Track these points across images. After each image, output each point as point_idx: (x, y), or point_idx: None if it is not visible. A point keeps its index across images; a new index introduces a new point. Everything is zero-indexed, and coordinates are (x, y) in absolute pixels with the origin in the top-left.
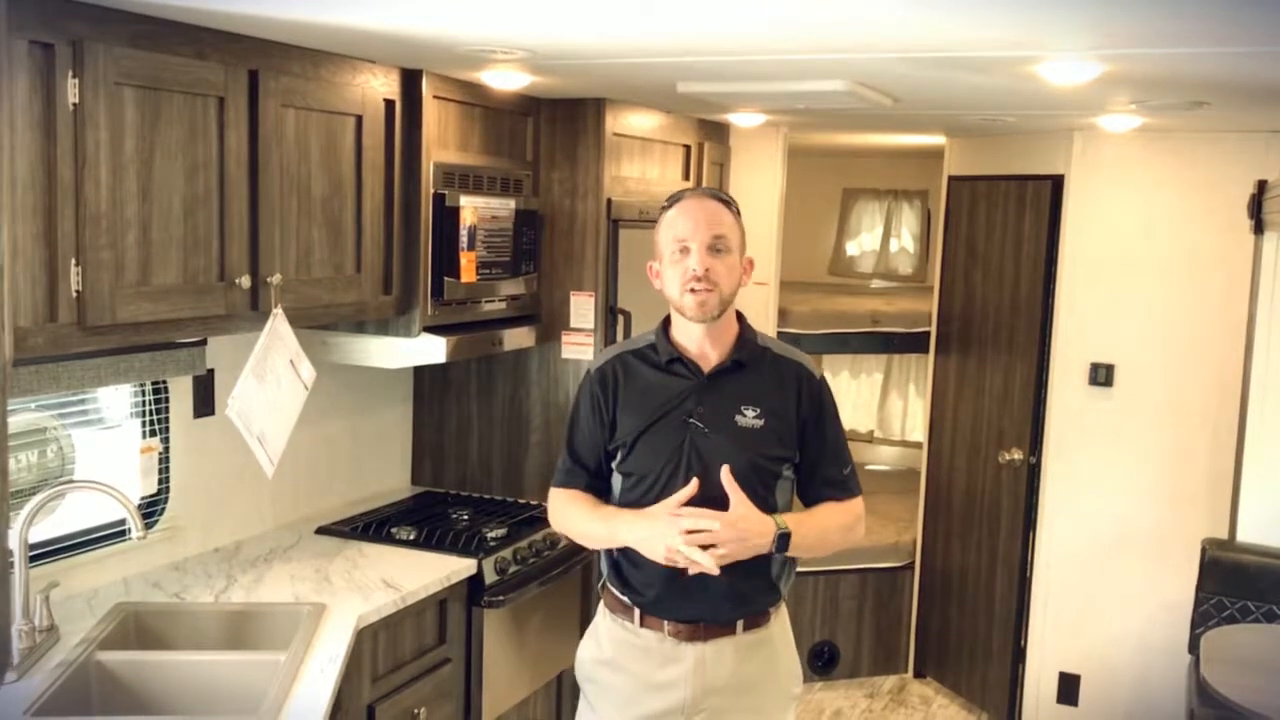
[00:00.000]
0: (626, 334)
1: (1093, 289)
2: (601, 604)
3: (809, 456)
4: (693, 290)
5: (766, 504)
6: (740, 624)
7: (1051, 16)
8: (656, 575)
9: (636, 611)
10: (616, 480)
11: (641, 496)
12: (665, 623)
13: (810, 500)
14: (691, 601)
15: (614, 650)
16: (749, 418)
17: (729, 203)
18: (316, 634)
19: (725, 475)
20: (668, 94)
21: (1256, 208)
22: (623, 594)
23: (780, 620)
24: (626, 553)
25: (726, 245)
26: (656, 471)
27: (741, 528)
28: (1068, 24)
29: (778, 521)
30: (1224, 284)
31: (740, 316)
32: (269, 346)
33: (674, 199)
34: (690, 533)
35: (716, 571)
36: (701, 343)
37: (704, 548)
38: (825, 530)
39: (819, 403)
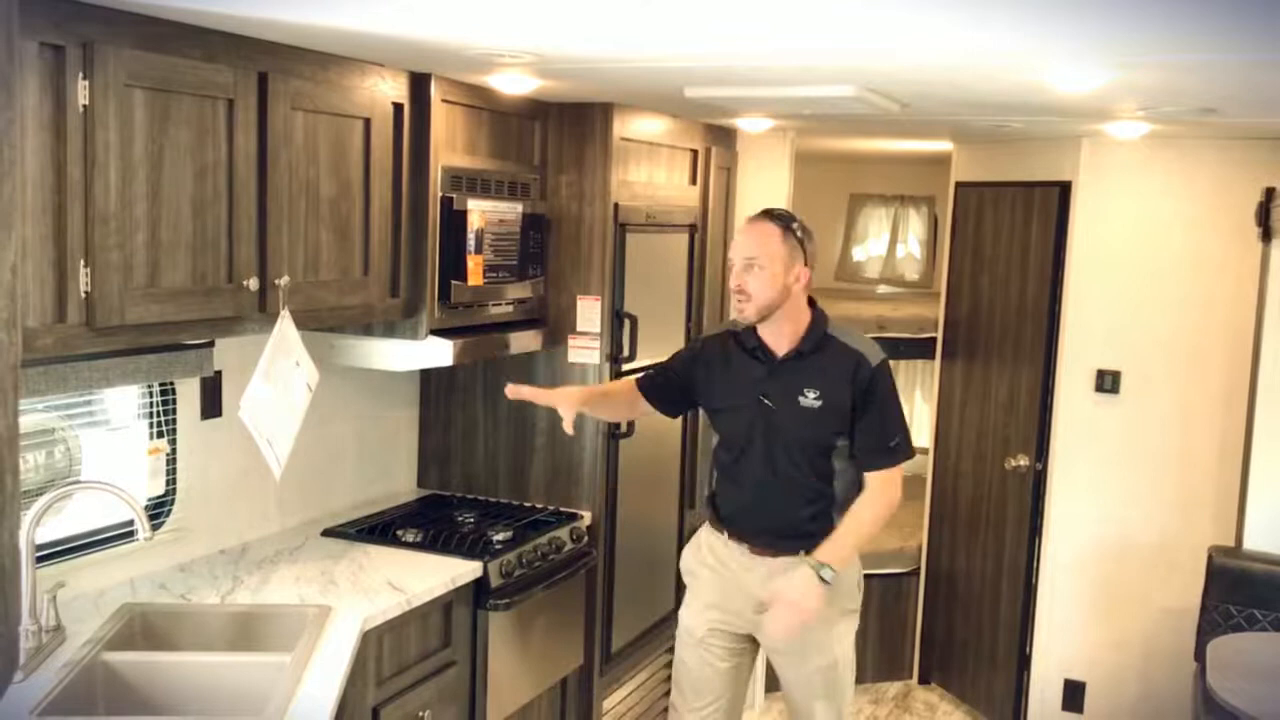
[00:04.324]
0: (632, 338)
1: (1099, 295)
2: (706, 521)
3: (860, 430)
4: (734, 296)
5: (824, 468)
6: (802, 551)
7: (1060, 23)
8: (735, 505)
9: (726, 529)
10: (714, 435)
11: (727, 453)
12: (745, 542)
13: (861, 463)
14: (763, 530)
15: (711, 554)
16: (809, 399)
17: (782, 221)
18: (322, 636)
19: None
20: (675, 98)
21: (1264, 215)
22: (716, 516)
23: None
24: (719, 486)
25: (759, 264)
26: (737, 436)
27: (796, 603)
28: (1077, 31)
29: (815, 565)
30: (1231, 291)
31: (814, 311)
32: (276, 349)
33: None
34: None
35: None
36: (768, 335)
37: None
38: (862, 526)
39: (868, 387)
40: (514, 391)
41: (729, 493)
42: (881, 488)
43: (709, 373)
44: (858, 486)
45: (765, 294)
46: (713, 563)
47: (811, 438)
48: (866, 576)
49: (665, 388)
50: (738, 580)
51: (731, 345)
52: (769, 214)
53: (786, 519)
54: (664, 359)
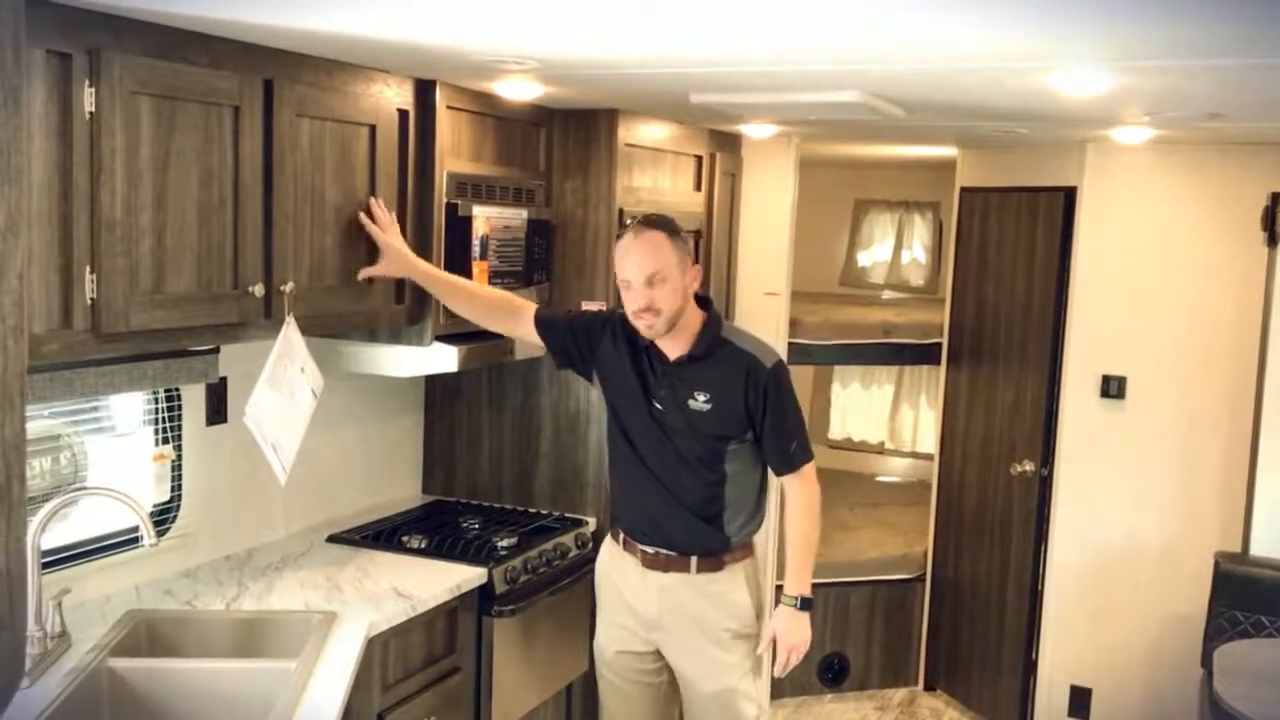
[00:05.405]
0: None
1: (1105, 301)
2: (609, 533)
3: (762, 434)
4: (639, 317)
5: (716, 472)
6: (694, 563)
7: (1066, 27)
8: (629, 512)
9: (622, 536)
10: (606, 416)
11: (617, 456)
12: (639, 549)
13: (773, 469)
14: (654, 537)
15: (610, 565)
16: (699, 402)
17: (666, 227)
18: (327, 642)
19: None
20: (680, 104)
21: (1270, 220)
22: (615, 522)
23: (736, 570)
24: (613, 490)
25: (662, 277)
26: (630, 432)
27: (790, 643)
28: (1082, 35)
29: (791, 601)
30: (1237, 296)
31: (707, 311)
32: (282, 354)
33: (621, 232)
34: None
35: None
36: (661, 340)
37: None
38: (807, 543)
39: (763, 391)
40: (371, 214)
41: (622, 497)
42: (799, 493)
43: (616, 356)
44: (754, 491)
45: (672, 306)
46: (613, 575)
47: (700, 442)
48: (871, 583)
49: (566, 336)
50: (636, 597)
51: (631, 334)
52: (650, 223)
53: (678, 525)
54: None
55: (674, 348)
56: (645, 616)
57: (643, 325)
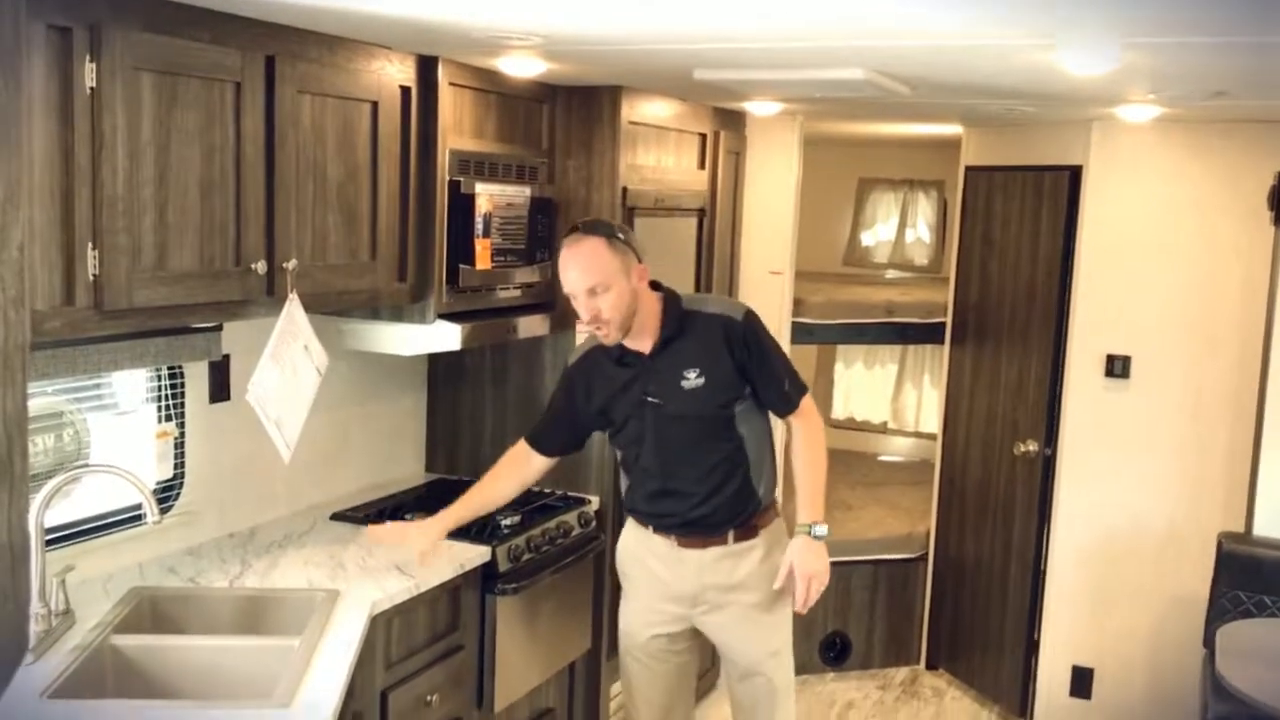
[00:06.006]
0: None
1: (1110, 280)
2: (630, 519)
3: (756, 384)
4: (592, 328)
5: (732, 438)
6: (731, 535)
7: (1070, 4)
8: (655, 500)
9: (650, 523)
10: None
11: (634, 458)
12: (672, 534)
13: (770, 408)
14: (689, 520)
15: (638, 548)
16: (691, 379)
17: (602, 231)
18: (330, 620)
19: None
20: (684, 81)
21: (1276, 198)
22: (638, 513)
23: (769, 533)
24: (634, 484)
25: (604, 286)
26: (639, 442)
27: (808, 571)
28: (1087, 12)
29: (804, 529)
30: (1243, 275)
31: (662, 294)
32: (285, 332)
33: (562, 241)
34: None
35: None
36: (630, 339)
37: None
38: (817, 471)
39: (746, 343)
40: (373, 536)
41: (646, 489)
42: (804, 428)
43: (589, 396)
44: (768, 441)
45: (620, 311)
46: (643, 557)
47: (708, 416)
48: (874, 562)
49: (557, 431)
50: (672, 576)
51: (601, 359)
52: (587, 229)
53: (710, 503)
54: None
55: (645, 341)
56: (683, 594)
57: (599, 334)
